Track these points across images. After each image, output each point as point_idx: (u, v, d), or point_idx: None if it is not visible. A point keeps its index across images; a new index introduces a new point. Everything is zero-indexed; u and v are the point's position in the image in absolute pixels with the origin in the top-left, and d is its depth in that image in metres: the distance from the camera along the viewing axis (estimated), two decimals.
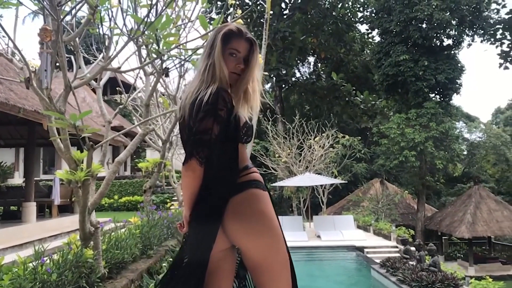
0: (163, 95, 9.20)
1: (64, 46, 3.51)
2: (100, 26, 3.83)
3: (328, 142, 20.03)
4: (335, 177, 20.27)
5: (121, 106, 4.72)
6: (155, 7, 3.66)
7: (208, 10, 4.15)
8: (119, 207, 17.29)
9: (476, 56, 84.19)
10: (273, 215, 1.66)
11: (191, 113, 1.57)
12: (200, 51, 4.90)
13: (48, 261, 3.62)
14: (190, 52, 4.32)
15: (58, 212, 9.20)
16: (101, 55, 4.87)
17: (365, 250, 12.63)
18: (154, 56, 3.99)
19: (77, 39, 4.20)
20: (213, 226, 1.60)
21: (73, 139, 3.75)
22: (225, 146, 1.60)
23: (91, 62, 5.32)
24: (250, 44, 1.74)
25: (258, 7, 25.71)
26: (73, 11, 3.66)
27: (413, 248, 8.96)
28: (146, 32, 3.54)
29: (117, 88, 7.96)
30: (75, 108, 7.76)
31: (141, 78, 6.45)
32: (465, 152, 30.05)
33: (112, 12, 3.91)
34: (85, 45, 6.30)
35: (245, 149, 1.73)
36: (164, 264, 6.08)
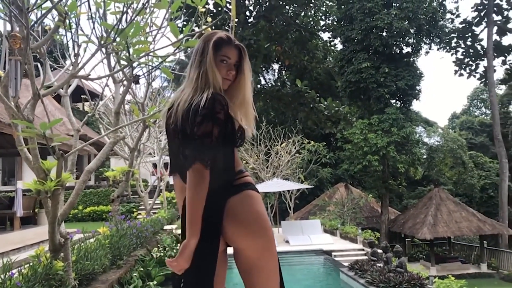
0: (129, 103, 9.07)
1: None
2: (68, 33, 3.77)
3: (295, 148, 20.27)
4: (302, 182, 20.51)
5: (89, 114, 4.64)
6: (125, 14, 3.64)
7: (173, 17, 4.16)
8: (84, 217, 16.79)
9: (432, 63, 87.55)
10: (267, 217, 1.72)
11: (187, 118, 1.59)
12: (170, 58, 4.90)
13: (17, 274, 3.51)
14: (160, 60, 4.31)
15: (20, 224, 8.85)
16: (68, 62, 4.79)
17: (333, 253, 12.82)
18: (124, 63, 3.96)
19: (44, 46, 4.12)
20: (212, 257, 1.63)
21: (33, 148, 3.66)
22: (223, 148, 1.63)
23: (52, 69, 5.21)
24: (239, 50, 1.79)
25: (223, 15, 25.77)
26: (41, 18, 3.59)
27: (380, 251, 9.19)
28: (117, 39, 3.51)
29: (82, 96, 7.79)
30: (38, 117, 7.50)
31: (108, 86, 6.36)
32: (424, 156, 31.08)
33: (79, 19, 3.87)
34: (48, 51, 6.15)
35: (237, 153, 1.77)
36: (134, 274, 5.99)
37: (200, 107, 1.56)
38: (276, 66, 34.22)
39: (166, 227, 11.27)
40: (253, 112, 1.82)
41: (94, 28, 3.58)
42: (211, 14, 23.90)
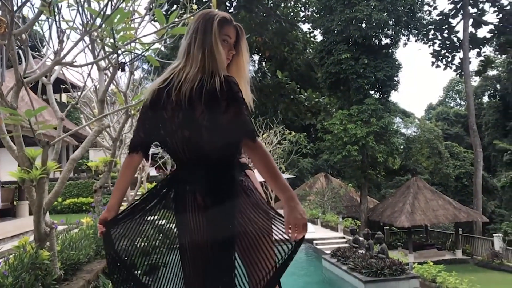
0: (111, 93, 8.94)
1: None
2: (50, 20, 3.70)
3: (276, 139, 20.37)
4: (283, 172, 20.65)
5: (73, 103, 4.57)
6: (110, 0, 3.59)
7: (157, 5, 4.11)
8: (64, 209, 16.50)
9: (409, 55, 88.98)
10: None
11: (198, 98, 1.60)
12: (156, 45, 4.85)
13: (2, 264, 3.46)
14: (146, 47, 4.26)
15: None
16: (48, 51, 4.69)
17: (314, 242, 13.00)
18: (109, 50, 3.91)
19: (25, 33, 4.03)
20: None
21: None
22: None
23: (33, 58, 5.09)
24: (237, 30, 1.80)
25: (203, 5, 25.52)
26: (25, 2, 3.50)
27: (361, 238, 9.38)
28: (102, 26, 3.46)
29: (61, 86, 7.64)
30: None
31: (90, 75, 6.26)
32: (402, 147, 31.68)
33: (61, 6, 3.79)
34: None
35: None
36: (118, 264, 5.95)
37: (234, 89, 1.60)
38: (256, 57, 34.17)
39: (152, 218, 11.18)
40: (250, 93, 1.85)
41: (81, 14, 3.52)
42: (196, 2, 23.67)
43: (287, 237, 1.60)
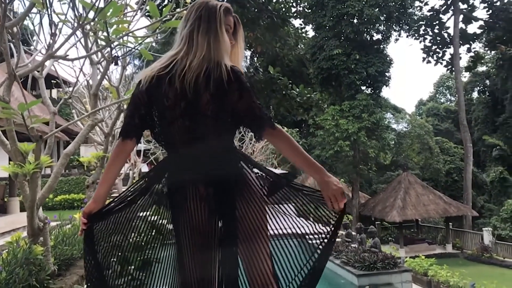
0: (106, 88, 8.85)
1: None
2: (41, 13, 3.66)
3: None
4: (276, 168, 20.68)
5: (66, 97, 4.52)
6: None
7: None
8: (55, 206, 16.37)
9: (400, 50, 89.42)
10: None
11: (204, 87, 1.58)
12: (148, 39, 4.82)
13: None
14: (139, 40, 4.23)
15: None
16: (36, 43, 4.63)
17: (307, 236, 13.03)
18: (102, 43, 3.87)
19: (17, 26, 3.97)
20: None
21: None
22: None
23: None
24: (234, 21, 1.81)
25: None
26: None
27: (354, 232, 9.43)
28: (95, 19, 3.43)
29: (52, 81, 7.56)
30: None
31: (82, 70, 6.20)
32: (392, 142, 31.83)
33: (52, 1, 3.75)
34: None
35: None
36: (112, 260, 5.93)
37: (242, 79, 1.61)
38: (248, 53, 34.07)
39: (140, 213, 11.15)
40: None
41: (72, 7, 3.48)
42: None
43: (332, 208, 1.70)
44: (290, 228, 1.83)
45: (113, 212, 1.77)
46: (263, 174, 1.76)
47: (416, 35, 31.52)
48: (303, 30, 32.54)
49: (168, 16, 4.02)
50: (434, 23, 31.27)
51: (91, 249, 1.77)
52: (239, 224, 1.67)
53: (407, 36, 30.47)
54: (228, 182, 1.64)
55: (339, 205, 1.67)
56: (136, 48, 4.32)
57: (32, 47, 5.12)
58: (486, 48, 34.08)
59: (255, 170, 1.75)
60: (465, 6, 30.24)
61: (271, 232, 1.75)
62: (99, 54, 4.33)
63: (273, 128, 1.65)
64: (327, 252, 1.75)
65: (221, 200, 1.62)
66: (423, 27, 31.52)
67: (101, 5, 3.38)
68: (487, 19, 29.97)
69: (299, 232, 1.82)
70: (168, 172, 1.73)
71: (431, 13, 31.07)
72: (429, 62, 32.71)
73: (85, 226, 1.73)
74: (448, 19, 30.97)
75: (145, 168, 17.07)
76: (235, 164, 1.69)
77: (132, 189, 1.78)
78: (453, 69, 30.35)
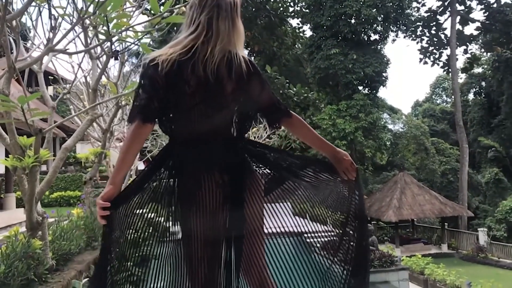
0: (104, 85, 8.84)
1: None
2: (43, 6, 3.65)
3: (266, 133, 20.35)
4: None
5: (65, 91, 4.51)
6: None
7: None
8: (51, 203, 16.28)
9: (397, 51, 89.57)
10: None
11: (228, 75, 1.62)
12: (146, 39, 4.81)
13: None
14: (139, 36, 4.22)
15: None
16: (34, 37, 4.62)
17: (304, 235, 13.07)
18: (103, 38, 3.86)
19: (17, 19, 3.96)
20: None
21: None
22: None
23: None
24: None
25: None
26: None
27: None
28: (96, 12, 3.42)
29: (50, 77, 7.53)
30: None
31: (80, 66, 6.19)
32: (388, 143, 31.94)
33: None
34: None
35: None
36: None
37: (259, 70, 1.70)
38: (245, 52, 34.09)
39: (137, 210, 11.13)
40: None
41: (73, 1, 3.47)
42: None
43: (346, 178, 1.93)
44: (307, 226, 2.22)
45: (134, 197, 1.75)
46: (268, 171, 1.81)
47: (413, 36, 31.64)
48: (301, 30, 32.64)
49: (166, 14, 4.01)
50: (431, 24, 31.39)
51: (110, 237, 1.78)
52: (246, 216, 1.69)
53: (404, 37, 30.57)
54: (243, 171, 1.67)
55: (352, 174, 1.91)
56: (135, 43, 4.32)
57: (29, 43, 5.11)
58: (483, 50, 34.24)
59: (261, 165, 1.80)
60: (462, 7, 30.38)
61: (271, 231, 1.84)
62: (99, 48, 4.32)
63: (290, 117, 1.78)
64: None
65: (235, 188, 1.64)
66: (420, 28, 31.65)
67: None
68: (483, 21, 30.11)
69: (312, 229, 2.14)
70: (179, 159, 1.69)
71: (428, 14, 31.20)
72: (426, 63, 32.84)
73: (104, 212, 1.65)
74: (445, 20, 31.13)
75: (141, 166, 17.03)
76: (247, 151, 1.75)
77: (144, 176, 1.76)
78: (450, 70, 30.49)
